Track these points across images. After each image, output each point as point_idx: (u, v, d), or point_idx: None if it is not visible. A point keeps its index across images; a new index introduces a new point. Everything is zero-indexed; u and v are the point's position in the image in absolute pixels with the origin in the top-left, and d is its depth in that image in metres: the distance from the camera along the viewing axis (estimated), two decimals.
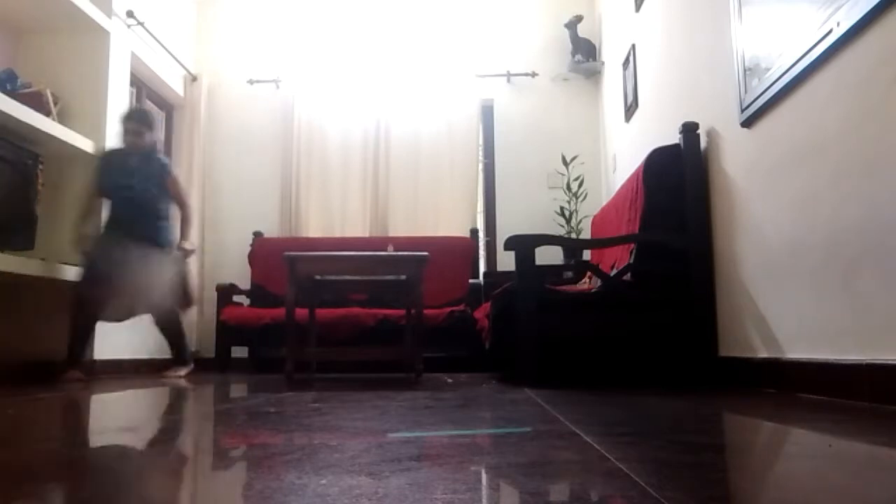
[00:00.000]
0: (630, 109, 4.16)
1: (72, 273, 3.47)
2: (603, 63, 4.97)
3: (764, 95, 2.26)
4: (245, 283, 4.78)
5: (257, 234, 4.98)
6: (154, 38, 4.48)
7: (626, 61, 4.20)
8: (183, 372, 3.70)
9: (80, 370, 3.32)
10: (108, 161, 3.58)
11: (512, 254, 2.86)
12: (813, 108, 2.02)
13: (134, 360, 4.09)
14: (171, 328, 3.68)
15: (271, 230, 5.06)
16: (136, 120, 3.59)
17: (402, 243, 4.26)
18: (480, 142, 5.21)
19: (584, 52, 5.00)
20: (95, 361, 3.67)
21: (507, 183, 5.13)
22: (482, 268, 5.05)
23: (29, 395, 2.36)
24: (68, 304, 3.37)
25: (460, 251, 4.71)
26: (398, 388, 2.56)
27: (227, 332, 4.30)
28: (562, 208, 4.79)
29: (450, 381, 3.11)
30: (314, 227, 5.05)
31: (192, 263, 4.80)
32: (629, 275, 2.87)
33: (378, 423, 1.46)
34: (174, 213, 3.72)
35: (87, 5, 3.71)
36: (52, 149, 3.60)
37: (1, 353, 3.42)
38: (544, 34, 5.22)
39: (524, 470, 0.91)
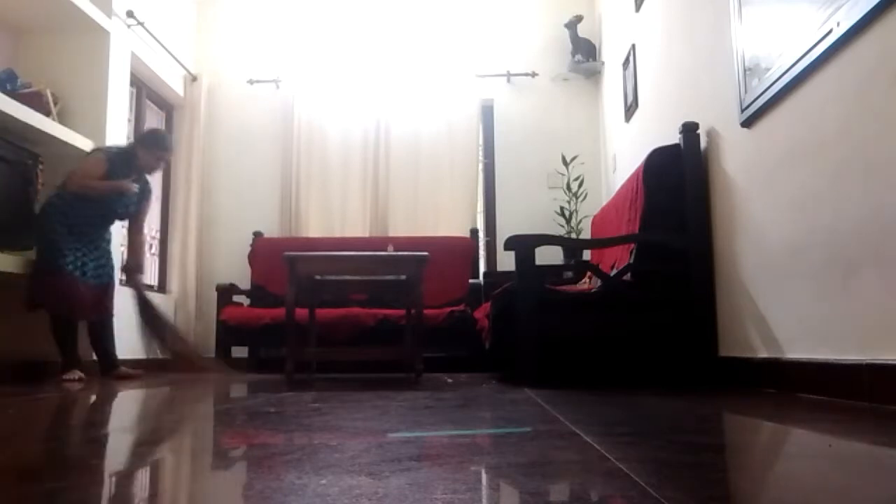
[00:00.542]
0: (630, 109, 4.16)
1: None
2: (603, 63, 4.97)
3: (764, 95, 2.26)
4: (245, 283, 4.78)
5: (257, 234, 4.98)
6: (154, 38, 4.48)
7: (626, 61, 4.20)
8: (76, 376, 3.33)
9: (80, 369, 3.32)
10: (115, 168, 3.43)
11: (512, 254, 2.86)
12: (813, 108, 2.02)
13: (134, 360, 4.09)
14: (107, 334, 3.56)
15: (271, 230, 5.06)
16: (173, 151, 3.63)
17: (402, 243, 4.26)
18: (480, 142, 5.21)
19: (584, 52, 5.00)
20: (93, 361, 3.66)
21: (507, 183, 5.13)
22: (482, 268, 5.05)
23: (29, 395, 2.36)
24: (50, 307, 3.26)
25: (460, 251, 4.71)
26: (398, 388, 2.56)
27: (227, 332, 4.30)
28: (562, 208, 4.79)
29: (450, 381, 3.11)
30: (314, 227, 5.05)
31: (189, 264, 4.82)
32: (629, 275, 2.87)
33: (378, 423, 1.46)
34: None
35: (87, 5, 3.71)
36: (52, 149, 3.60)
37: (1, 353, 3.43)
38: (544, 34, 5.22)
39: (524, 470, 0.91)
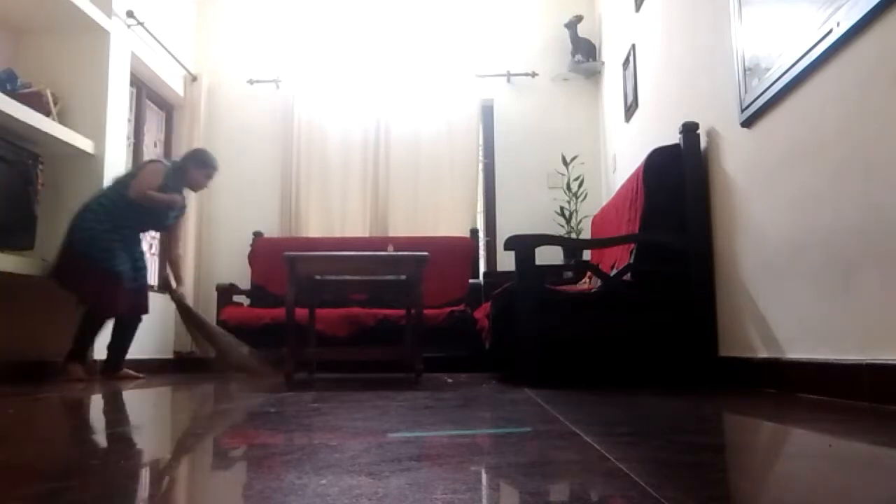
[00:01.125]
0: (630, 109, 4.16)
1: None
2: (603, 63, 4.97)
3: (764, 95, 2.26)
4: (245, 283, 4.78)
5: (257, 234, 4.98)
6: (154, 38, 4.48)
7: (626, 61, 4.20)
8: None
9: (84, 367, 3.34)
10: (169, 181, 3.55)
11: (512, 254, 2.86)
12: (813, 108, 2.02)
13: (134, 360, 4.09)
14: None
15: (271, 230, 5.06)
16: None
17: (402, 243, 4.26)
18: (480, 142, 5.21)
19: (584, 52, 5.00)
20: (96, 361, 3.67)
21: (507, 183, 5.13)
22: (482, 268, 5.05)
23: (29, 395, 2.36)
24: (92, 300, 3.34)
25: (460, 251, 4.71)
26: (398, 388, 2.56)
27: (227, 332, 4.30)
28: (562, 208, 4.79)
29: (450, 381, 3.11)
30: (314, 227, 5.05)
31: (189, 264, 4.82)
32: (629, 275, 2.87)
33: (378, 423, 1.46)
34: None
35: (87, 5, 3.71)
36: (52, 149, 3.60)
37: (1, 353, 3.43)
38: (544, 34, 5.22)
39: (524, 470, 0.91)
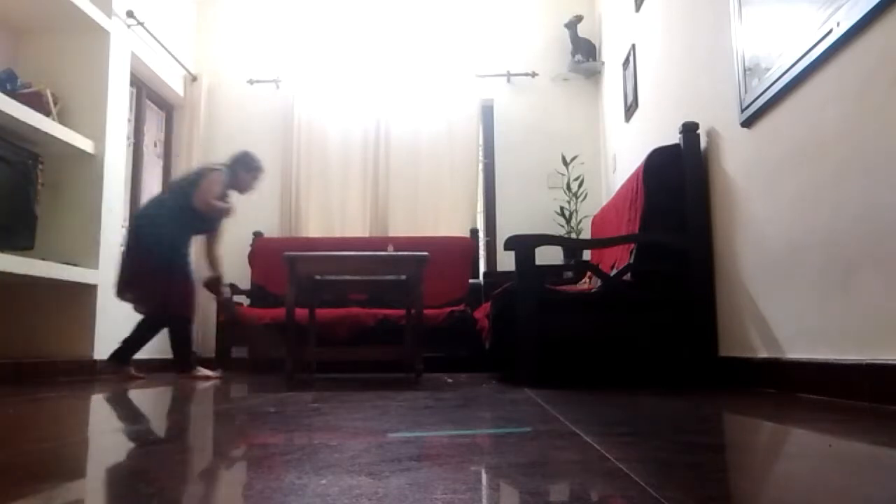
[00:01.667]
0: (630, 109, 4.16)
1: (73, 273, 3.47)
2: (603, 63, 4.97)
3: (764, 95, 2.26)
4: (245, 283, 4.78)
5: (257, 234, 4.98)
6: (154, 38, 4.48)
7: (626, 61, 4.20)
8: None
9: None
10: (224, 188, 3.62)
11: (512, 254, 2.86)
12: (813, 108, 2.02)
13: (134, 360, 4.09)
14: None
15: (271, 230, 5.06)
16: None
17: (402, 243, 4.26)
18: (480, 142, 5.21)
19: (584, 52, 5.00)
20: (97, 362, 3.67)
21: (507, 183, 5.13)
22: (482, 268, 5.05)
23: (29, 395, 2.36)
24: (178, 306, 3.44)
25: (460, 251, 4.71)
26: (398, 388, 2.56)
27: (228, 332, 4.30)
28: (562, 208, 4.79)
29: (450, 381, 3.11)
30: (314, 227, 5.05)
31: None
32: (629, 275, 2.87)
33: (378, 423, 1.46)
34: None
35: (87, 5, 3.71)
36: (52, 149, 3.60)
37: (1, 353, 3.43)
38: (544, 34, 5.22)
39: (524, 470, 0.91)
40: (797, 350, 2.16)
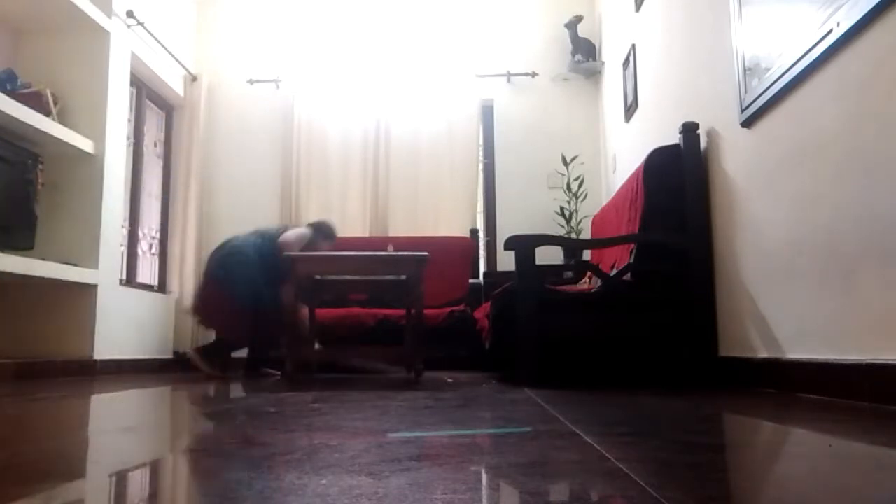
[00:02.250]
0: (630, 109, 4.16)
1: (72, 273, 3.47)
2: (603, 63, 4.97)
3: (764, 95, 2.26)
4: None
5: None
6: (154, 38, 4.48)
7: (626, 61, 4.20)
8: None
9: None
10: (305, 247, 3.76)
11: (512, 254, 2.86)
12: (813, 108, 2.02)
13: (134, 360, 4.09)
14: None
15: None
16: None
17: (402, 243, 4.26)
18: (480, 142, 5.21)
19: (584, 52, 5.00)
20: (97, 362, 3.67)
21: (507, 183, 5.13)
22: (482, 268, 5.05)
23: (29, 396, 2.36)
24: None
25: (460, 251, 4.71)
26: (398, 388, 2.56)
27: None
28: (562, 208, 4.79)
29: (450, 381, 3.11)
30: None
31: (189, 264, 4.82)
32: (629, 275, 2.87)
33: (378, 423, 1.46)
34: None
35: (87, 5, 3.71)
36: (52, 149, 3.60)
37: (1, 353, 3.43)
38: (544, 34, 5.22)
39: (524, 470, 0.91)
40: (797, 350, 2.16)
